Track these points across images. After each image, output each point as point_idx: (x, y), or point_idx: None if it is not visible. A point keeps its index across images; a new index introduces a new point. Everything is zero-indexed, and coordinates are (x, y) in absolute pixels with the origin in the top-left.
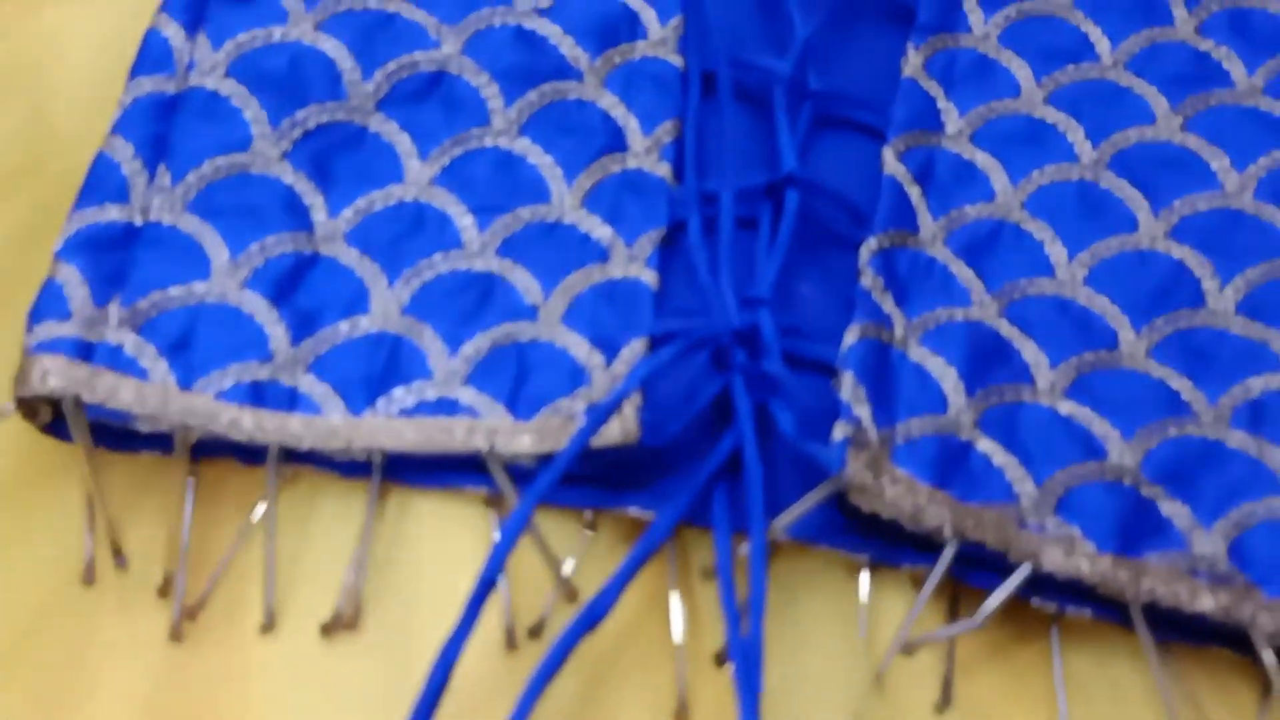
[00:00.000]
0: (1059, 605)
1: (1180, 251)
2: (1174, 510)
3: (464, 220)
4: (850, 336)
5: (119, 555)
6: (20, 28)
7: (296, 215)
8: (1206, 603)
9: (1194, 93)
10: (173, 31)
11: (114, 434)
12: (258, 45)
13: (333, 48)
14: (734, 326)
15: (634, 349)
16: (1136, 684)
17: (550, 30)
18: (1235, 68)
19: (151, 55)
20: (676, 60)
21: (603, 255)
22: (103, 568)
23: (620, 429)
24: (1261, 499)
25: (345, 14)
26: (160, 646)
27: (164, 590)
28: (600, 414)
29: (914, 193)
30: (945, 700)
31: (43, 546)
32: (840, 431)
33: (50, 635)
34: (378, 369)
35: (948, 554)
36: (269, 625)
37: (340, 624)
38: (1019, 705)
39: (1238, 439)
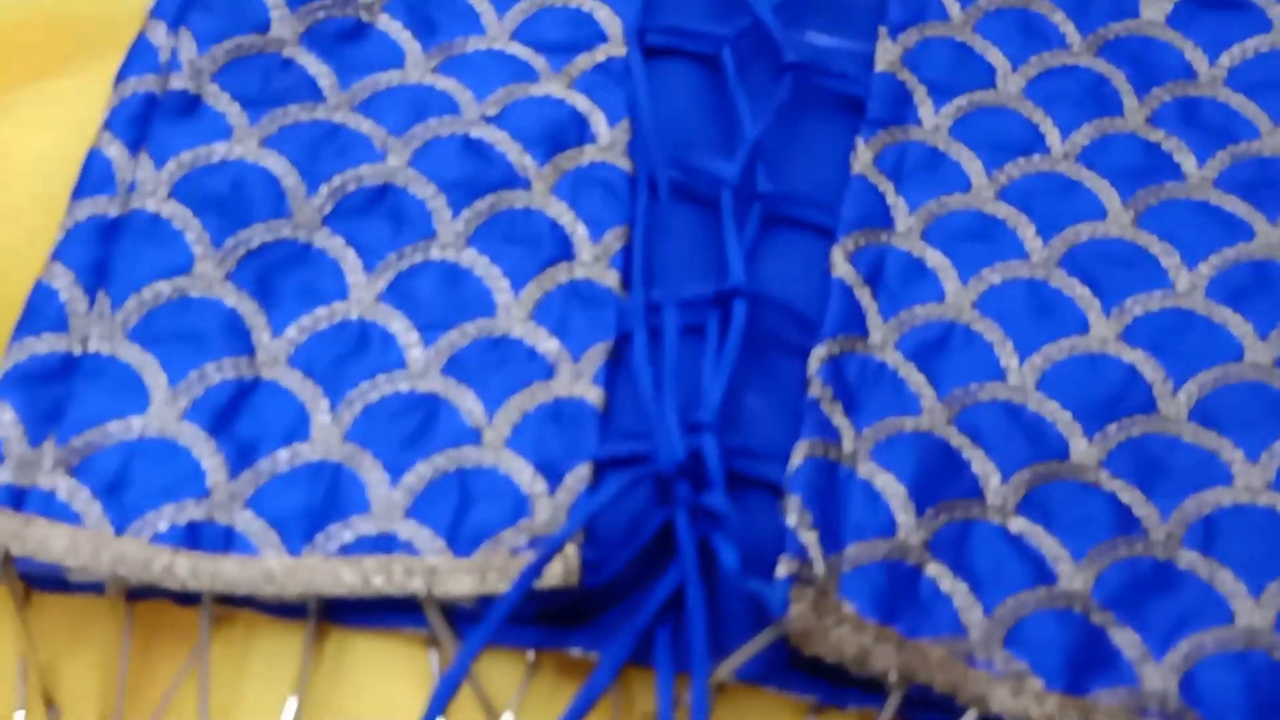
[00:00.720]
0: None
1: (1132, 355)
2: (1124, 639)
3: (409, 338)
4: (797, 456)
5: (51, 706)
6: None
7: (238, 338)
8: None
9: (1145, 186)
10: (115, 151)
11: (48, 575)
12: (200, 165)
13: (277, 164)
14: (678, 459)
15: (578, 476)
16: None
17: (498, 137)
18: (1186, 160)
19: (93, 176)
20: (625, 165)
21: (549, 371)
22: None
23: (562, 571)
24: (1211, 629)
25: (291, 127)
26: None
27: None
28: (541, 558)
29: (863, 295)
30: None
31: None
32: (784, 568)
33: None
34: (317, 501)
35: (894, 699)
36: None
37: None
38: None
39: (1188, 559)
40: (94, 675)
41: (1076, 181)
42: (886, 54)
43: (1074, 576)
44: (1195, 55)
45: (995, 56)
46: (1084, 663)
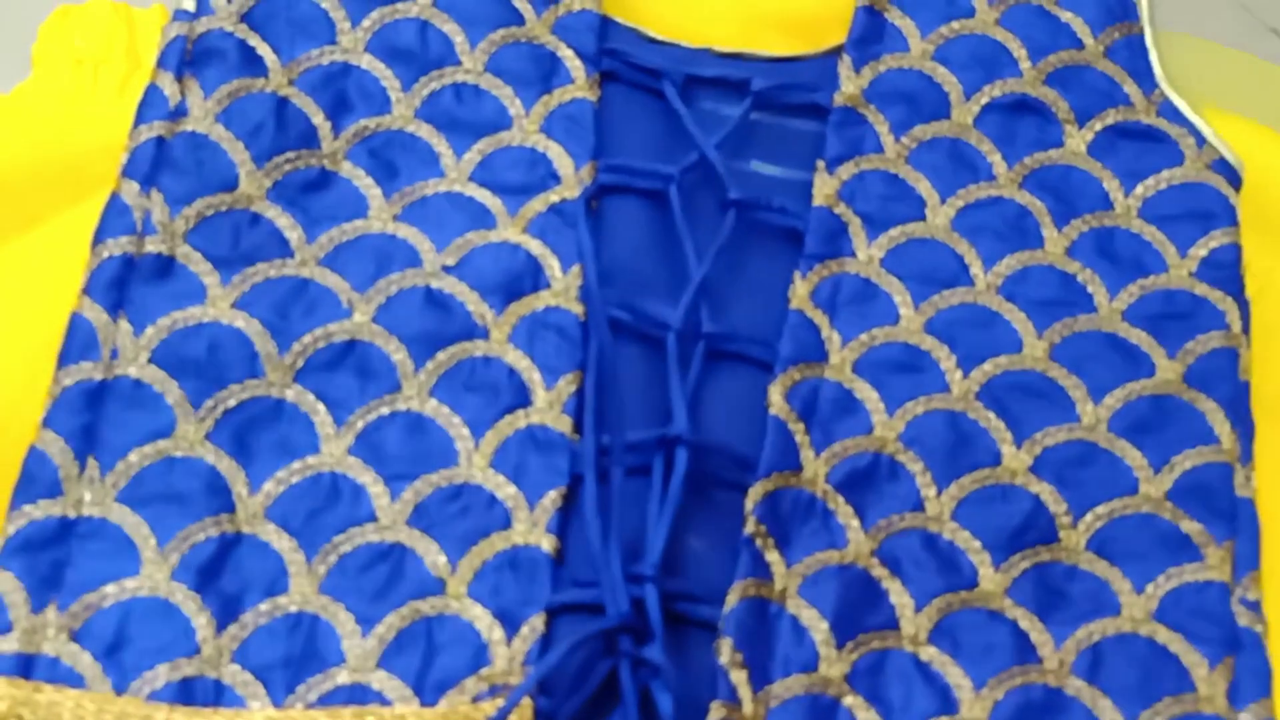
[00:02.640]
0: None
1: (1039, 487)
2: None
3: (376, 489)
4: (732, 598)
5: None
6: None
7: (219, 496)
8: None
9: (1060, 318)
10: (95, 315)
11: None
12: (177, 329)
13: (249, 325)
14: (622, 613)
15: (533, 626)
16: None
17: (458, 289)
18: (1098, 291)
19: (77, 341)
20: (577, 309)
21: (506, 519)
22: None
23: None
24: None
25: (261, 285)
26: None
27: None
28: (502, 713)
29: (798, 430)
30: None
31: None
32: (715, 714)
33: None
34: (296, 652)
35: None
36: None
37: None
38: None
39: (1075, 687)
40: None
41: (997, 313)
42: (824, 187)
43: (974, 705)
44: (1112, 185)
45: (925, 188)
46: None
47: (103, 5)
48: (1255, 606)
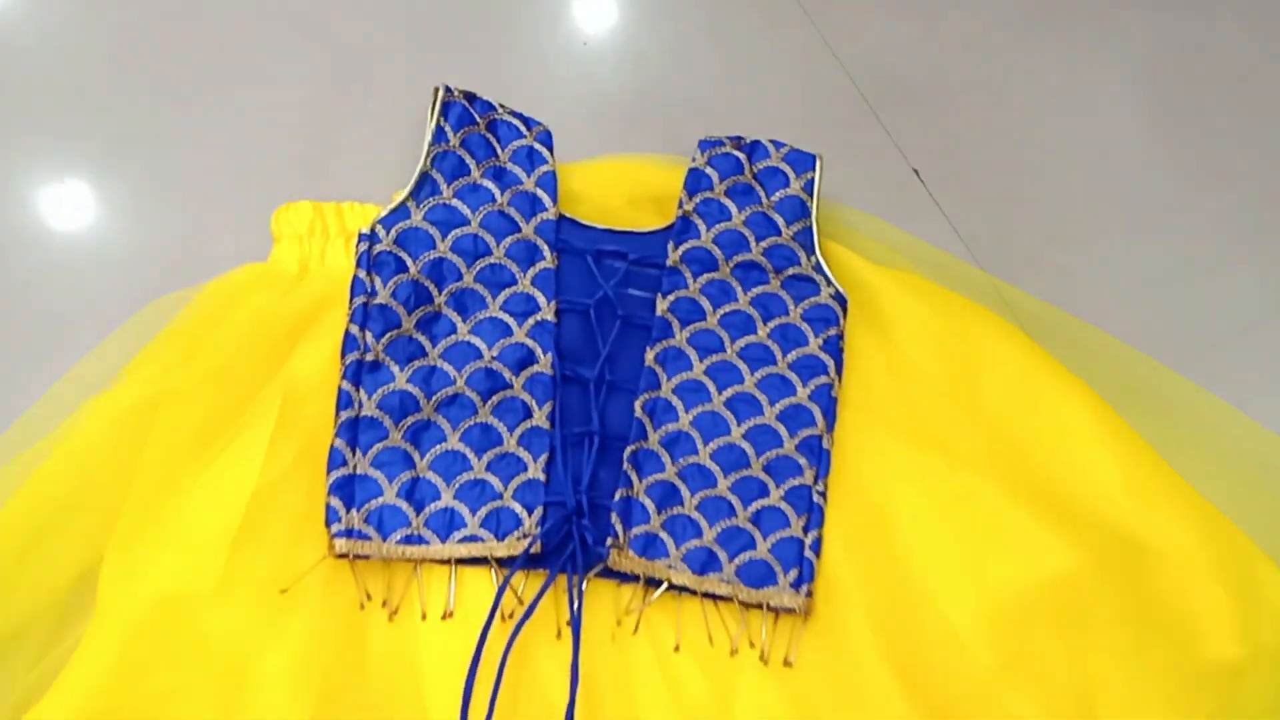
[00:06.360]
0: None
1: (744, 444)
2: None
3: (471, 457)
4: (617, 495)
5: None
6: None
7: (408, 462)
8: None
9: (763, 364)
10: (348, 388)
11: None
12: (383, 390)
13: (413, 388)
14: (572, 507)
15: (538, 511)
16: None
17: (497, 365)
18: (777, 351)
19: (341, 402)
20: (550, 372)
21: (525, 467)
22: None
23: (530, 543)
24: None
25: (417, 368)
26: None
27: None
28: (530, 545)
29: (647, 422)
30: None
31: None
32: (609, 543)
33: None
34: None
35: (663, 587)
36: None
37: None
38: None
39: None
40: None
41: (735, 365)
42: (661, 304)
43: (691, 499)
44: (789, 303)
45: (707, 306)
46: None
47: (307, 205)
48: (821, 496)
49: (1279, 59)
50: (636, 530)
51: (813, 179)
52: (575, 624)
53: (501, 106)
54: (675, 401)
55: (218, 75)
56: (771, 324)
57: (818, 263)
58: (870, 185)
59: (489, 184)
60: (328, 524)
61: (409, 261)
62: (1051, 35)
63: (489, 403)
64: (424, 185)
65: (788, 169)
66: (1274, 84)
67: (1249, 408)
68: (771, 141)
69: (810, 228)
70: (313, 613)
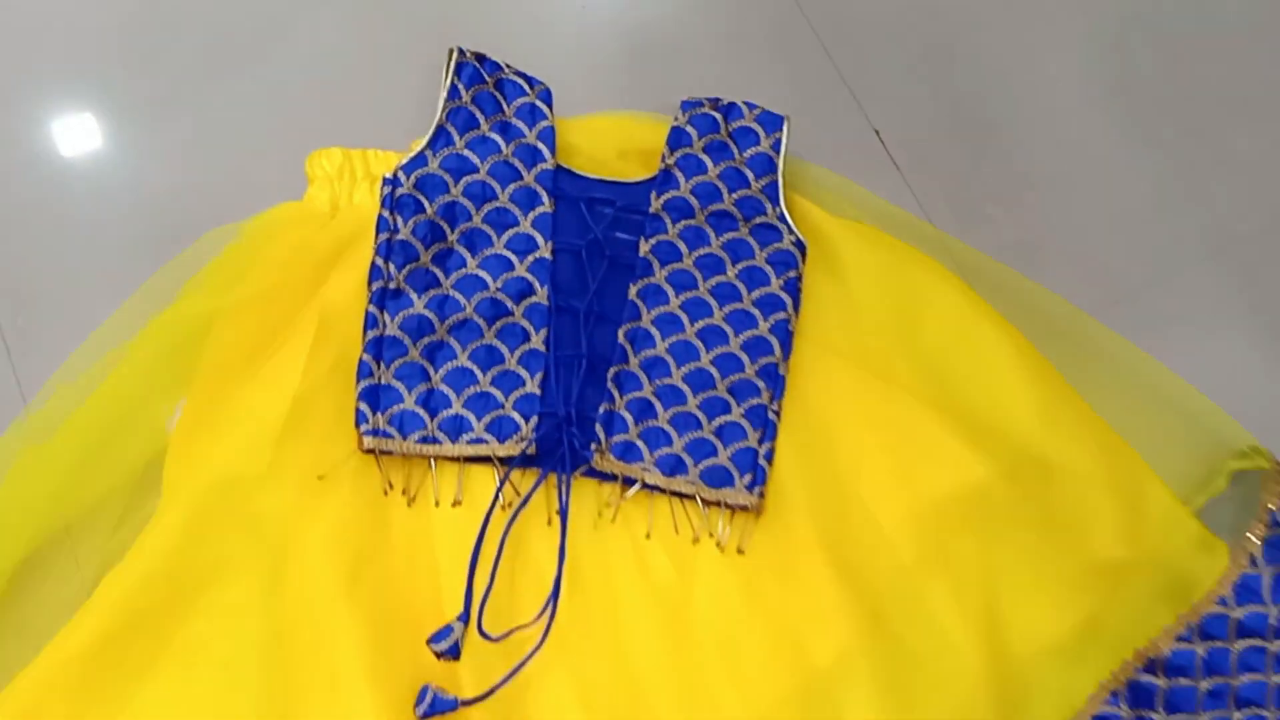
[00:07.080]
0: None
1: (711, 369)
2: None
3: (477, 372)
4: (601, 409)
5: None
6: None
7: (424, 375)
8: None
9: (731, 300)
10: (374, 310)
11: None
12: (404, 314)
13: (429, 313)
14: (562, 415)
15: (534, 419)
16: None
17: (501, 295)
18: (743, 290)
19: (369, 323)
20: (546, 302)
21: (523, 383)
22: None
23: (528, 442)
24: None
25: (434, 296)
26: None
27: None
28: (527, 445)
29: (629, 347)
30: None
31: None
32: (594, 447)
33: None
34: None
35: (638, 485)
36: None
37: None
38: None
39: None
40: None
41: (705, 301)
42: (644, 247)
43: (664, 413)
44: (756, 247)
45: (684, 248)
46: None
47: (337, 151)
48: (776, 415)
49: (1212, 35)
50: (617, 438)
51: (780, 138)
52: (563, 514)
53: (508, 67)
54: (653, 331)
55: (258, 38)
56: (739, 266)
57: (781, 213)
58: (835, 145)
59: (496, 136)
60: (357, 424)
61: (426, 204)
62: (1008, 12)
63: (493, 327)
64: (439, 137)
65: (759, 129)
66: (1204, 60)
67: (1156, 349)
68: (745, 103)
69: (776, 182)
70: (345, 497)
